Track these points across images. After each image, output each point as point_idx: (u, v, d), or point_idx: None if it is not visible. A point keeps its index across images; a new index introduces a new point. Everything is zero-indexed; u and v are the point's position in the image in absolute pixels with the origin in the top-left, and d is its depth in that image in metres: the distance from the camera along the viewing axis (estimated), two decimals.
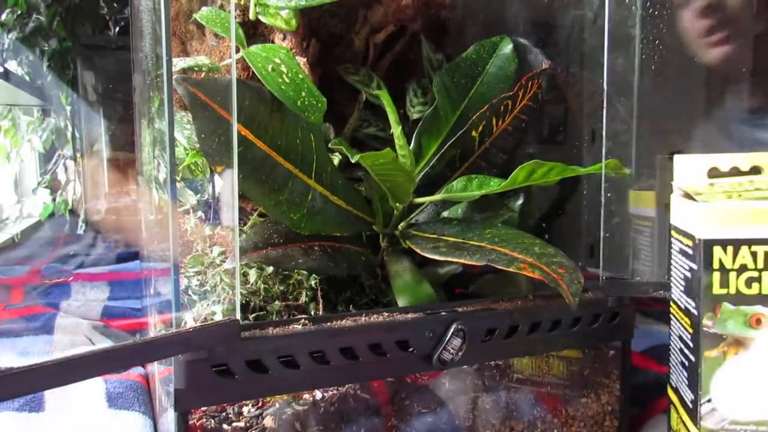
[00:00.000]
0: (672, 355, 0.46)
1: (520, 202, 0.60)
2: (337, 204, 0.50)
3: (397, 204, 0.54)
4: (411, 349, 0.42)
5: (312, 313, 0.51)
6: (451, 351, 0.43)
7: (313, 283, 0.52)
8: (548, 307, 0.46)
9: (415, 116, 0.63)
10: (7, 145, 1.30)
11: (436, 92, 0.58)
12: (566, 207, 0.69)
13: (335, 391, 0.45)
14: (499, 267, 0.43)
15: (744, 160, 0.43)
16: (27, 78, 1.25)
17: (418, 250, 0.48)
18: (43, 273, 0.92)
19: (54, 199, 1.28)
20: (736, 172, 0.44)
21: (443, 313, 0.44)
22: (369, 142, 0.64)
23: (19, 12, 1.20)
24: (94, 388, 0.53)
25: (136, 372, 0.57)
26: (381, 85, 0.62)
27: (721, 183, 0.43)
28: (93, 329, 0.69)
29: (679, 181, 0.44)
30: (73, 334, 0.68)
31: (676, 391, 0.45)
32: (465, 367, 0.48)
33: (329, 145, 0.52)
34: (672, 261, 0.45)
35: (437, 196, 0.55)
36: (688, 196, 0.43)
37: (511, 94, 0.56)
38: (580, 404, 0.51)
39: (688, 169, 0.44)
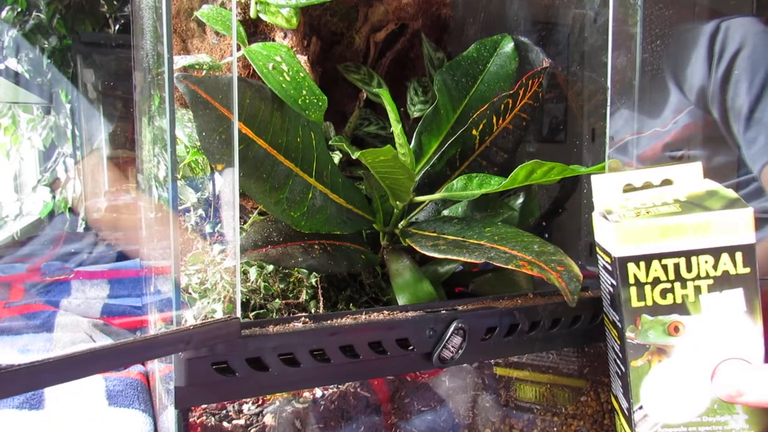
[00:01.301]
0: (609, 364, 0.47)
1: (520, 200, 0.60)
2: (337, 202, 0.50)
3: (398, 202, 0.54)
4: (411, 348, 0.42)
5: (312, 311, 0.51)
6: (451, 349, 0.43)
7: (313, 281, 0.52)
8: (548, 305, 0.46)
9: (416, 115, 0.63)
10: (6, 143, 1.30)
11: (437, 91, 0.58)
12: (566, 205, 0.69)
13: (335, 389, 0.45)
14: (498, 264, 0.43)
15: (655, 174, 0.46)
16: (27, 76, 1.25)
17: (417, 248, 0.48)
18: (43, 271, 0.92)
19: (54, 197, 1.28)
20: (649, 186, 0.46)
21: (443, 312, 0.44)
22: (370, 141, 0.64)
23: (19, 9, 1.20)
24: (94, 385, 0.53)
25: (136, 370, 0.57)
26: (381, 83, 0.62)
27: (634, 198, 0.44)
28: (93, 327, 0.69)
29: (597, 199, 0.46)
30: (74, 331, 0.68)
31: (616, 398, 0.46)
32: (465, 365, 0.48)
33: (329, 144, 0.52)
34: (600, 276, 0.46)
35: (437, 195, 0.55)
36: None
37: (511, 92, 0.56)
38: (580, 403, 0.51)
39: (605, 186, 0.46)
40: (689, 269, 0.40)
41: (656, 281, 0.41)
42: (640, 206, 0.43)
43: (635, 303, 0.41)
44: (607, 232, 0.42)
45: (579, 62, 0.67)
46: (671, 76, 0.79)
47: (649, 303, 0.41)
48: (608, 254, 0.42)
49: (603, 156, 0.50)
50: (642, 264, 0.40)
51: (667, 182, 0.46)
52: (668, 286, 0.41)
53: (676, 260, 0.40)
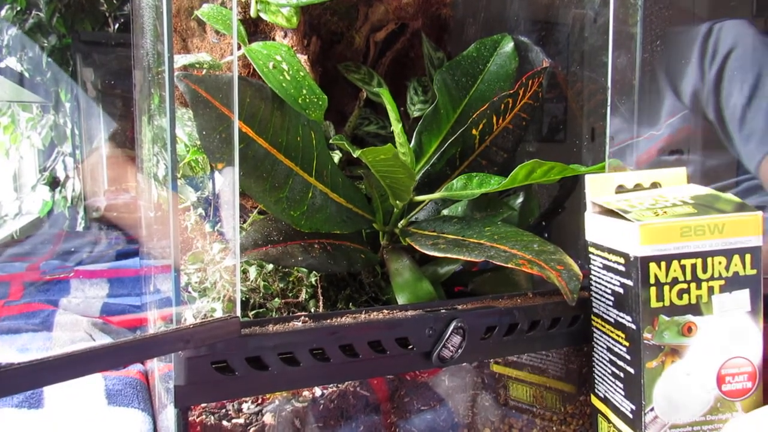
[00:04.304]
0: (598, 367, 0.47)
1: (520, 200, 0.60)
2: (337, 201, 0.50)
3: (397, 202, 0.54)
4: (411, 347, 0.42)
5: (312, 310, 0.51)
6: (451, 348, 0.43)
7: (313, 280, 0.52)
8: (547, 304, 0.46)
9: (416, 114, 0.63)
10: (6, 142, 1.30)
11: (437, 90, 0.58)
12: (566, 205, 0.69)
13: (335, 388, 0.45)
14: (498, 263, 0.43)
15: (645, 177, 0.47)
16: (26, 74, 1.25)
17: (417, 247, 0.48)
18: (43, 269, 0.92)
19: (53, 196, 1.28)
20: (640, 187, 0.47)
21: (443, 311, 0.44)
22: (369, 140, 0.64)
23: (18, 8, 1.20)
24: (94, 385, 0.53)
25: (135, 369, 0.57)
26: (382, 83, 0.62)
27: (634, 199, 0.45)
28: (93, 326, 0.69)
29: (591, 199, 0.46)
30: (73, 330, 0.68)
31: (605, 401, 0.46)
32: (465, 364, 0.48)
33: (330, 143, 0.52)
34: (593, 276, 0.46)
35: (437, 194, 0.55)
36: (608, 212, 0.44)
37: (511, 92, 0.56)
38: (579, 402, 0.51)
39: (599, 187, 0.46)
40: (704, 270, 0.41)
41: (674, 281, 0.41)
42: (652, 206, 0.43)
43: (654, 303, 0.41)
44: (623, 232, 0.42)
45: (579, 62, 0.67)
46: (665, 79, 0.79)
47: (667, 303, 0.41)
48: (620, 254, 0.42)
49: (603, 156, 0.50)
50: (663, 264, 0.40)
51: (655, 185, 0.47)
52: (685, 286, 0.41)
53: (693, 260, 0.41)
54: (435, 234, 0.50)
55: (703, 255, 0.41)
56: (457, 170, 0.58)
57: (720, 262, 0.41)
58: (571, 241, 0.64)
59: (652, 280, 0.41)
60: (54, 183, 1.28)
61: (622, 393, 0.44)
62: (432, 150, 0.58)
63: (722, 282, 0.41)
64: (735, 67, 0.75)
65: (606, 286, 0.45)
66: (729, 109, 0.75)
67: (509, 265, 0.43)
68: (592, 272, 0.46)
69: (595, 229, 0.45)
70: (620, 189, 0.47)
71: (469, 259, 0.45)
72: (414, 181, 0.52)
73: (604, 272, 0.44)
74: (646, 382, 0.41)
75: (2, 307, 0.76)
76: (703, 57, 0.76)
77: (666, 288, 0.41)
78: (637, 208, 0.43)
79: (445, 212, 0.59)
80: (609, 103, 0.49)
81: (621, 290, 0.43)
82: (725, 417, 0.41)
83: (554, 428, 0.51)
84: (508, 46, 0.61)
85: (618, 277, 0.43)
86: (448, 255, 0.46)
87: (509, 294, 0.49)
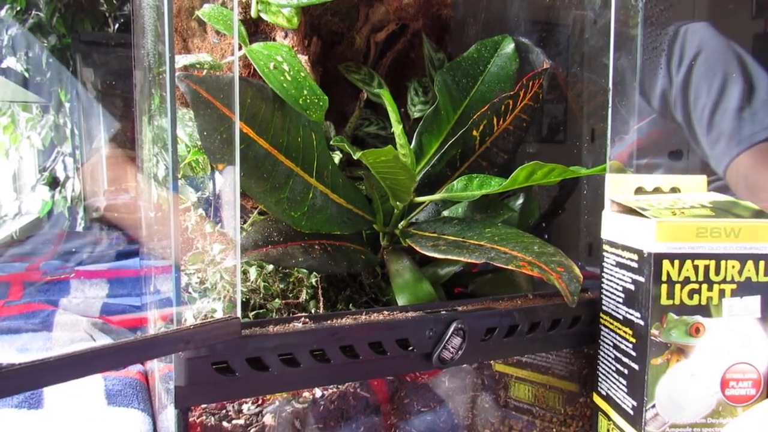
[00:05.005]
0: (602, 364, 0.47)
1: (520, 201, 0.60)
2: (337, 202, 0.50)
3: (398, 203, 0.54)
4: (411, 348, 0.42)
5: (312, 311, 0.51)
6: (451, 350, 0.43)
7: (313, 281, 0.52)
8: (548, 306, 0.46)
9: (416, 115, 0.63)
10: (6, 142, 1.30)
11: (437, 91, 0.58)
12: (566, 206, 0.69)
13: (335, 389, 0.45)
14: (499, 265, 0.43)
15: (665, 181, 0.47)
16: (26, 74, 1.25)
17: (418, 248, 0.48)
18: (43, 270, 0.92)
19: (53, 196, 1.28)
20: (659, 191, 0.47)
21: (443, 312, 0.44)
22: (370, 141, 0.64)
23: (18, 8, 1.20)
24: (93, 385, 0.53)
25: (135, 369, 0.57)
26: (382, 83, 0.62)
27: (653, 200, 0.45)
28: (92, 326, 0.69)
29: (614, 196, 0.46)
30: (73, 330, 0.68)
31: (606, 398, 0.46)
32: (465, 366, 0.48)
33: (330, 143, 0.52)
34: (605, 274, 0.46)
35: (438, 196, 0.55)
36: (626, 211, 0.44)
37: (512, 93, 0.56)
38: (579, 404, 0.51)
39: (619, 186, 0.47)
40: (717, 272, 0.41)
41: (686, 281, 0.41)
42: (670, 206, 0.43)
43: (664, 301, 0.41)
44: (640, 228, 0.42)
45: (579, 63, 0.67)
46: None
47: (677, 302, 0.41)
48: (634, 251, 0.43)
49: (603, 157, 0.50)
50: (676, 262, 0.41)
51: (675, 190, 0.47)
52: (696, 286, 0.41)
53: (706, 262, 0.41)
54: (435, 235, 0.50)
55: (717, 257, 0.41)
56: (458, 171, 0.58)
57: (733, 266, 0.41)
58: (571, 242, 0.64)
59: (664, 277, 0.41)
60: (54, 183, 1.28)
61: (625, 390, 0.44)
62: (432, 151, 0.58)
63: (734, 286, 0.41)
64: (702, 70, 0.75)
65: (617, 284, 0.45)
66: (697, 113, 0.76)
67: (510, 267, 0.43)
68: (605, 270, 0.47)
69: (612, 226, 0.46)
70: (639, 191, 0.47)
71: (469, 261, 0.45)
72: (414, 182, 0.52)
73: (617, 269, 0.45)
74: (649, 379, 0.42)
75: (2, 307, 0.76)
76: (670, 60, 0.77)
77: (677, 286, 0.41)
78: (655, 207, 0.43)
79: (445, 213, 0.59)
80: (610, 105, 0.49)
81: (632, 287, 0.43)
82: (726, 421, 0.41)
83: (554, 429, 0.51)
84: (509, 47, 0.61)
85: (630, 274, 0.43)
86: (449, 256, 0.46)
87: (509, 295, 0.49)
